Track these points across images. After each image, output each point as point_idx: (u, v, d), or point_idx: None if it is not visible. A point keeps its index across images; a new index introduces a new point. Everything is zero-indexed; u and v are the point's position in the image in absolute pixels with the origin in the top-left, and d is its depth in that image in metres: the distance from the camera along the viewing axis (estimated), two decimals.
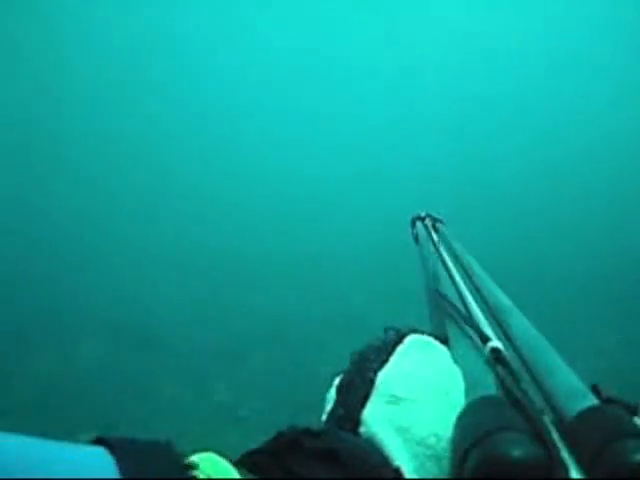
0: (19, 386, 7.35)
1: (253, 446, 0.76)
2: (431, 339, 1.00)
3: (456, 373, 0.89)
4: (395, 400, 0.84)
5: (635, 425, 0.70)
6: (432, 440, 0.76)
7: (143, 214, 15.92)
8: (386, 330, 1.02)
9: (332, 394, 0.94)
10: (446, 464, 0.74)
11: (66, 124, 20.60)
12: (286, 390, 6.89)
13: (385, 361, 0.92)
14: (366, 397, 0.87)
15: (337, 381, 0.95)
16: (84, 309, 9.73)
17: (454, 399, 0.81)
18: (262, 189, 17.15)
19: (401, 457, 0.75)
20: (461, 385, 0.85)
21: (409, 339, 0.98)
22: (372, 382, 0.89)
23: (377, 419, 0.83)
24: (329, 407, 0.92)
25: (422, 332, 1.03)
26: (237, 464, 0.64)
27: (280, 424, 0.80)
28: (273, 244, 12.81)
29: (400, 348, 0.96)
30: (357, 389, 0.89)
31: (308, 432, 0.73)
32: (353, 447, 0.73)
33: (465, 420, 0.73)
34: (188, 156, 20.17)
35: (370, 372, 0.90)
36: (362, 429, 0.83)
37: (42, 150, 18.84)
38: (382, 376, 0.89)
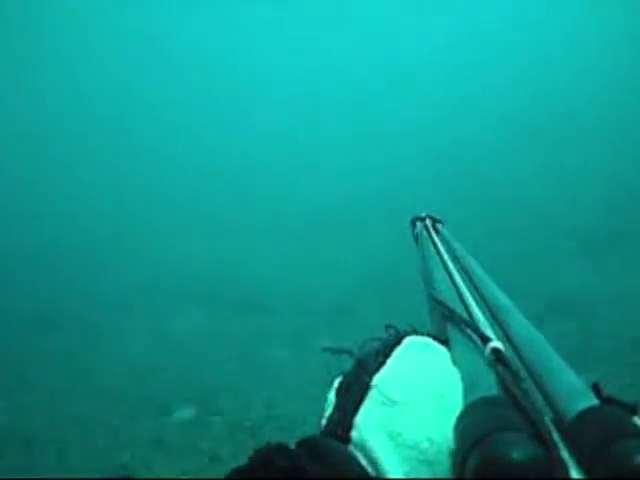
0: (118, 360, 7.32)
1: None
2: (430, 340, 1.00)
3: (453, 375, 0.88)
4: (390, 403, 0.84)
5: (635, 425, 0.71)
6: (425, 444, 0.76)
7: (234, 182, 16.39)
8: (387, 328, 1.02)
9: (331, 397, 0.94)
10: (438, 469, 0.75)
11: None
12: None
13: (382, 363, 0.92)
14: (361, 400, 0.87)
15: (336, 383, 0.96)
16: (178, 278, 9.93)
17: (450, 402, 0.81)
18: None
19: (390, 462, 0.76)
20: (458, 388, 0.85)
21: (407, 341, 0.98)
22: (367, 385, 0.88)
23: (370, 424, 0.83)
24: (328, 411, 0.92)
25: (422, 333, 1.03)
26: None
27: None
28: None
29: (398, 350, 0.96)
30: (353, 393, 0.89)
31: (283, 450, 0.71)
32: (327, 467, 0.71)
33: (465, 420, 0.73)
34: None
35: (366, 376, 0.90)
36: (354, 434, 0.83)
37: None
38: (378, 379, 0.89)
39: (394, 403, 0.83)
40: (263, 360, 7.10)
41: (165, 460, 5.14)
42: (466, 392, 0.82)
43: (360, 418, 0.84)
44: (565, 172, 13.13)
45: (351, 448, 0.81)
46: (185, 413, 6.03)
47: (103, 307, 8.77)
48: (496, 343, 0.86)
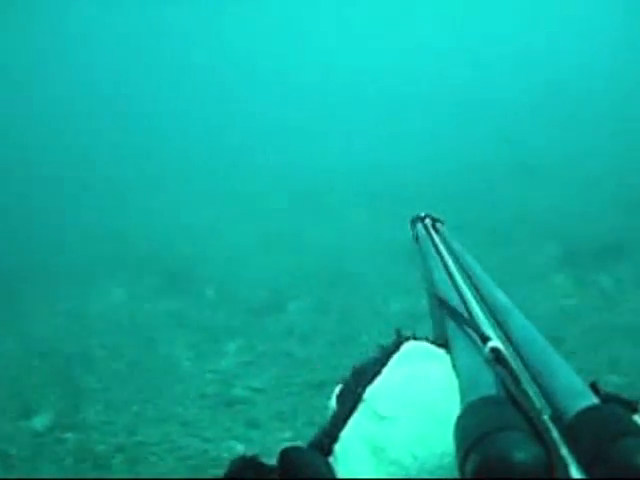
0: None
1: None
2: (429, 346, 1.02)
3: (449, 383, 0.89)
4: (377, 418, 0.86)
5: (635, 423, 0.71)
6: (408, 461, 0.78)
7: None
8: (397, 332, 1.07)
9: (332, 404, 0.96)
10: None
11: None
12: None
13: (378, 372, 0.94)
14: (351, 413, 0.89)
15: (337, 391, 0.97)
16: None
17: (442, 413, 0.82)
18: None
19: (369, 478, 0.79)
20: (453, 396, 0.85)
21: (405, 347, 1.01)
22: (359, 398, 0.91)
23: (355, 438, 0.85)
24: (327, 417, 0.94)
25: (423, 338, 1.06)
26: None
27: None
28: None
29: (394, 358, 0.98)
30: (345, 404, 0.91)
31: (253, 464, 0.76)
32: None
33: (466, 420, 0.73)
34: None
35: (360, 387, 0.92)
36: (337, 447, 0.84)
37: None
38: (369, 392, 0.91)
39: (382, 418, 0.85)
40: (159, 367, 6.08)
41: None
42: (466, 392, 0.82)
43: (347, 431, 0.86)
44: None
45: (331, 461, 0.82)
46: (40, 421, 5.14)
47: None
48: (495, 342, 0.86)
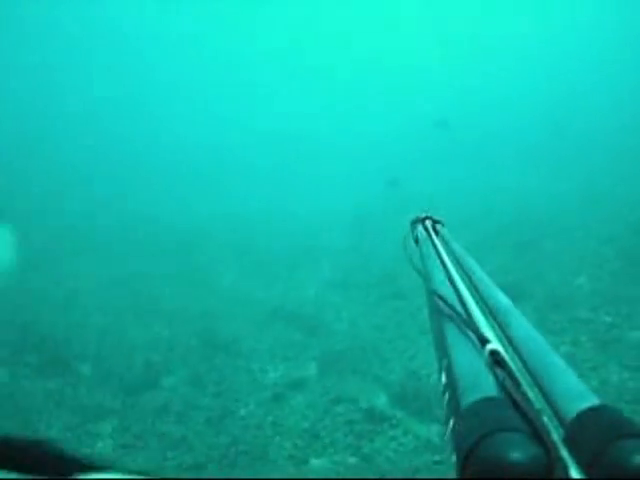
0: None
1: None
2: None
3: None
4: None
5: (635, 425, 0.71)
6: None
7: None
8: None
9: None
10: None
11: None
12: None
13: None
14: None
15: None
16: None
17: None
18: None
19: None
20: None
21: None
22: None
23: None
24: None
25: None
26: None
27: None
28: None
29: None
30: None
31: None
32: None
33: (466, 421, 0.73)
34: None
35: None
36: None
37: None
38: None
39: None
40: None
41: None
42: (465, 393, 0.81)
43: None
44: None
45: None
46: None
47: None
48: (494, 345, 0.86)
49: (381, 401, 6.33)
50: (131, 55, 28.65)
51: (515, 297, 1.12)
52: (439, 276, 1.26)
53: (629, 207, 11.42)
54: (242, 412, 6.23)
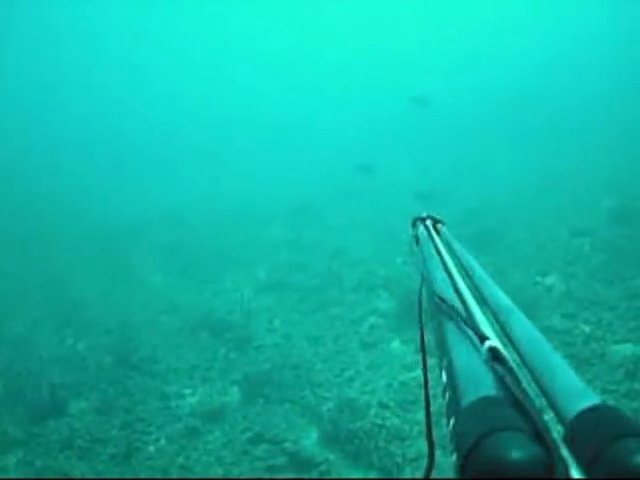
0: None
1: None
2: None
3: None
4: None
5: (635, 425, 0.70)
6: None
7: None
8: None
9: None
10: None
11: None
12: None
13: None
14: None
15: None
16: None
17: None
18: None
19: None
20: None
21: None
22: None
23: None
24: None
25: None
26: None
27: None
28: None
29: None
30: None
31: None
32: None
33: (466, 420, 0.73)
34: None
35: None
36: None
37: None
38: None
39: None
40: None
41: None
42: (465, 392, 0.80)
43: None
44: None
45: None
46: None
47: None
48: (494, 342, 0.85)
49: (310, 440, 5.42)
50: None
51: None
52: (440, 275, 1.24)
53: (606, 191, 10.24)
54: (151, 448, 5.54)
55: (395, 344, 6.67)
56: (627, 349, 5.57)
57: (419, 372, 6.02)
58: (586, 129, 15.37)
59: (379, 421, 5.34)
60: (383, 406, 5.57)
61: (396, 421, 5.35)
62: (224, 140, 21.97)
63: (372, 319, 7.28)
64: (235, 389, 6.30)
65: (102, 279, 10.31)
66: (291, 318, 7.70)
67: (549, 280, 7.27)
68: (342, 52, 31.82)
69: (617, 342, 5.67)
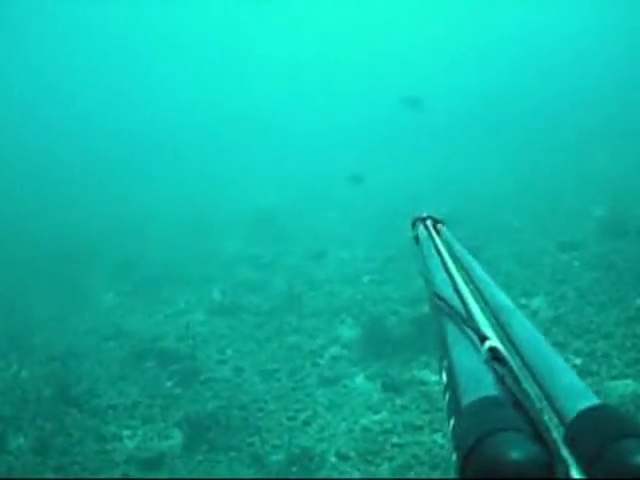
0: None
1: None
2: None
3: None
4: None
5: (635, 425, 0.69)
6: None
7: None
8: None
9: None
10: None
11: None
12: None
13: None
14: None
15: None
16: None
17: None
18: None
19: None
20: None
21: None
22: None
23: None
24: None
25: None
26: None
27: None
28: None
29: None
30: None
31: None
32: None
33: (466, 420, 0.72)
34: None
35: None
36: None
37: None
38: None
39: None
40: None
41: None
42: (466, 392, 0.80)
43: None
44: None
45: None
46: None
47: None
48: (494, 342, 0.84)
49: None
50: None
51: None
52: (440, 276, 1.23)
53: (595, 199, 9.50)
54: None
55: (359, 380, 5.95)
56: (626, 386, 4.82)
57: (385, 414, 5.24)
58: (575, 133, 14.95)
59: (336, 475, 4.55)
60: (342, 457, 4.78)
61: (356, 475, 4.55)
62: (199, 144, 21.13)
63: (333, 349, 6.56)
64: (177, 433, 5.68)
65: (53, 299, 9.54)
66: (244, 347, 7.03)
67: (535, 302, 6.47)
68: (331, 57, 31.57)
69: (614, 378, 4.94)
